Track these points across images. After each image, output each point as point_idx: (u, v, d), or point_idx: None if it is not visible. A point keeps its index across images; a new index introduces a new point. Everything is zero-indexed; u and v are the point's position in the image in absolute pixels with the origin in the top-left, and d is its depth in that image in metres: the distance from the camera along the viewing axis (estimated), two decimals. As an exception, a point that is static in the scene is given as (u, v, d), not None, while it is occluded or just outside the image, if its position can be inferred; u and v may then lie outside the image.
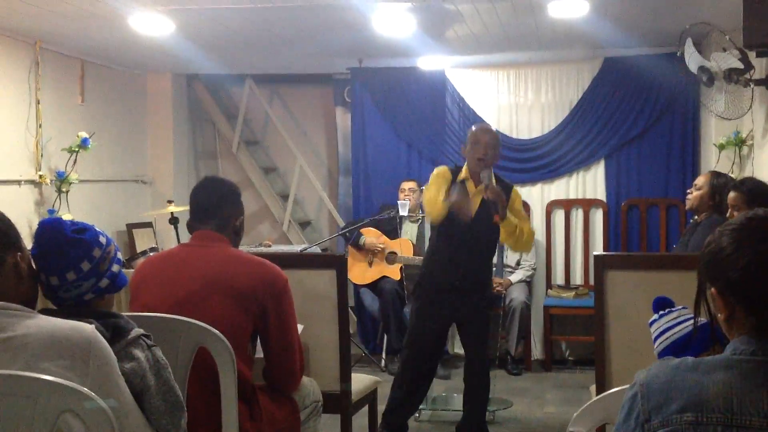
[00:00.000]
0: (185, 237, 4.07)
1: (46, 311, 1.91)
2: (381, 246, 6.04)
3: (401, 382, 4.15)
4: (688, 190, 4.57)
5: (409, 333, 4.23)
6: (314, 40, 5.60)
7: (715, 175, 4.48)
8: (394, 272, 6.01)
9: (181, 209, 5.76)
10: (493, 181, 3.92)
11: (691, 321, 2.05)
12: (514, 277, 6.05)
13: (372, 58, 6.44)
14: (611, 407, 1.82)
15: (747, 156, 5.27)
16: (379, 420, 3.84)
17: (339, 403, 3.28)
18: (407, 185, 6.16)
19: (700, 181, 4.48)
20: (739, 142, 5.28)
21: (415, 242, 6.09)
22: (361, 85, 6.69)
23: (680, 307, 2.13)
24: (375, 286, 6.08)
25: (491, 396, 4.40)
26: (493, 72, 6.47)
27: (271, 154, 7.75)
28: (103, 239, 2.04)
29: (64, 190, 5.66)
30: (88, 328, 1.78)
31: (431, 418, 4.81)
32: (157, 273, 2.65)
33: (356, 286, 6.17)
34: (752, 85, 4.63)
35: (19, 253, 1.88)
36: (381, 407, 3.88)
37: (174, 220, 5.89)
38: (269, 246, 6.59)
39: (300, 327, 2.82)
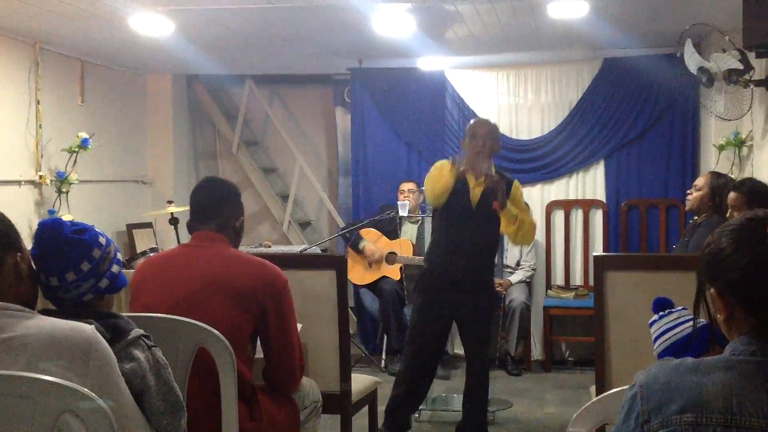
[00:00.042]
0: (185, 237, 4.07)
1: (45, 312, 1.91)
2: (378, 256, 6.03)
3: (402, 379, 4.15)
4: (688, 191, 4.56)
5: (410, 330, 4.24)
6: (314, 40, 5.61)
7: (715, 175, 4.47)
8: (394, 272, 6.01)
9: (181, 210, 5.76)
10: (492, 170, 3.91)
11: (692, 322, 2.05)
12: (514, 278, 6.05)
13: (372, 58, 6.45)
14: (611, 408, 1.82)
15: (746, 157, 5.27)
16: (380, 420, 3.84)
17: (339, 403, 3.28)
18: (407, 186, 6.16)
19: (700, 181, 4.47)
20: (738, 143, 5.28)
21: (414, 243, 6.09)
22: (360, 86, 6.69)
23: (680, 308, 2.13)
24: (375, 286, 6.08)
25: (491, 397, 4.40)
26: (493, 72, 6.47)
27: (271, 155, 7.75)
28: (102, 240, 2.04)
29: (64, 190, 5.67)
30: (88, 329, 1.78)
31: (431, 419, 4.81)
32: (157, 273, 2.65)
33: (356, 287, 6.17)
34: (752, 86, 4.63)
35: (19, 254, 1.87)
36: (381, 408, 3.88)
37: (174, 221, 5.89)
38: (269, 246, 6.60)
39: (298, 326, 2.82)
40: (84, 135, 5.73)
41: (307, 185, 7.41)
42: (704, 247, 1.45)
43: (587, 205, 6.35)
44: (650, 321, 2.15)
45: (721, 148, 5.40)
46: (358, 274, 6.11)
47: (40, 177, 5.51)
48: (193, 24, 5.01)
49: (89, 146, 5.75)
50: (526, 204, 4.49)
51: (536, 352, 6.19)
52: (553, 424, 4.73)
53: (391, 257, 6.05)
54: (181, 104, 7.34)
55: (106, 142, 6.42)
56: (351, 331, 4.52)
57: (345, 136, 7.07)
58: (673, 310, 2.12)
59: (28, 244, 1.96)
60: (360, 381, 3.58)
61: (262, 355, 2.71)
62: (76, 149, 5.71)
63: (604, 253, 5.10)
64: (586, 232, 6.32)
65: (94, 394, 1.62)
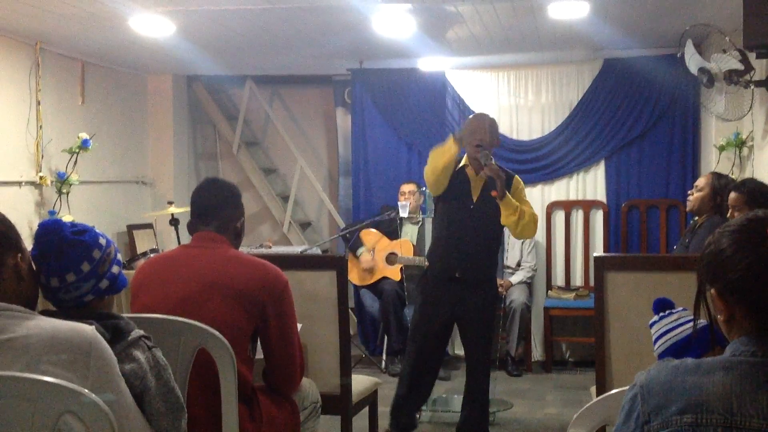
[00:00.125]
0: (185, 238, 4.07)
1: (46, 312, 1.91)
2: (370, 267, 6.03)
3: (405, 379, 4.15)
4: (689, 192, 4.55)
5: (411, 329, 4.23)
6: (315, 41, 5.61)
7: (716, 176, 4.46)
8: (394, 273, 6.01)
9: (182, 210, 5.76)
10: (492, 161, 3.91)
11: (691, 322, 2.05)
12: (515, 279, 6.05)
13: (372, 59, 6.45)
14: (611, 408, 1.82)
15: (747, 157, 5.27)
16: (380, 421, 3.84)
17: (339, 404, 3.28)
18: (407, 188, 6.16)
19: (701, 182, 4.46)
20: (739, 144, 5.28)
21: (415, 243, 6.09)
22: (361, 87, 6.70)
23: (680, 308, 2.13)
24: (375, 287, 6.08)
25: (491, 397, 4.39)
26: (494, 73, 6.47)
27: (271, 155, 7.75)
28: (102, 240, 2.04)
29: (64, 191, 5.67)
30: (89, 330, 1.78)
31: (431, 419, 4.81)
32: (157, 274, 2.65)
33: (356, 287, 6.17)
34: (752, 87, 4.63)
35: (19, 254, 1.88)
36: (381, 408, 3.87)
37: (174, 222, 5.90)
38: (269, 247, 6.60)
39: (298, 326, 2.82)
40: (84, 136, 5.73)
41: (308, 186, 7.41)
42: (705, 247, 1.45)
43: (588, 206, 6.35)
44: (651, 322, 2.15)
45: (721, 148, 5.40)
46: (359, 275, 6.11)
47: (41, 178, 5.51)
48: (193, 25, 5.01)
49: (90, 147, 5.75)
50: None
51: (537, 352, 6.19)
52: (554, 425, 4.73)
53: (391, 258, 6.05)
54: (182, 105, 7.34)
55: (107, 143, 6.42)
56: (351, 332, 4.52)
57: (345, 136, 7.07)
58: (673, 310, 2.12)
59: (28, 244, 1.96)
60: (360, 382, 3.58)
61: (262, 356, 2.71)
62: (77, 150, 5.71)
63: (605, 254, 5.10)
64: (586, 233, 6.32)
65: (94, 395, 1.62)
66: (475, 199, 4.00)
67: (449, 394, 5.23)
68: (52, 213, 5.57)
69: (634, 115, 6.20)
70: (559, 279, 6.38)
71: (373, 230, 6.13)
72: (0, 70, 5.26)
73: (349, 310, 3.66)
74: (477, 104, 6.43)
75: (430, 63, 6.43)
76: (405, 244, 6.05)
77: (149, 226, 6.77)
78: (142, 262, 4.87)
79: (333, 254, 6.67)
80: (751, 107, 4.75)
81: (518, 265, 6.13)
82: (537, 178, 6.36)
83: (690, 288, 1.54)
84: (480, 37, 5.51)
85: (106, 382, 1.76)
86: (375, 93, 6.68)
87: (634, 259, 3.59)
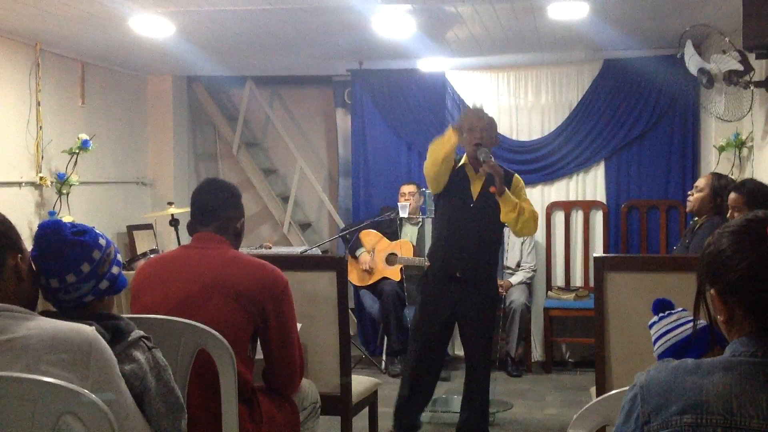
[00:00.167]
0: (185, 239, 4.08)
1: (46, 313, 1.91)
2: (369, 268, 6.03)
3: (407, 379, 4.15)
4: (689, 192, 4.55)
5: (412, 329, 4.23)
6: (314, 42, 5.61)
7: (717, 176, 4.45)
8: (394, 273, 6.01)
9: (182, 211, 5.76)
10: (492, 159, 3.91)
11: (691, 323, 2.05)
12: (515, 279, 6.05)
13: (372, 59, 6.45)
14: (611, 409, 1.82)
15: (747, 158, 5.27)
16: (380, 422, 3.84)
17: (339, 404, 3.28)
18: (407, 189, 6.16)
19: (701, 182, 4.46)
20: (738, 144, 5.28)
21: (415, 244, 6.09)
22: (361, 87, 6.70)
23: (680, 309, 2.13)
24: (375, 287, 6.08)
25: (491, 398, 4.39)
26: (493, 74, 6.48)
27: (271, 156, 7.76)
28: (102, 241, 2.04)
29: (64, 191, 5.67)
30: (89, 330, 1.78)
31: (431, 420, 4.81)
32: (157, 275, 2.65)
33: (356, 288, 6.18)
34: (752, 87, 4.63)
35: (19, 255, 1.88)
36: (381, 409, 3.87)
37: (174, 222, 5.90)
38: (269, 248, 6.60)
39: (298, 325, 2.82)
40: (84, 136, 5.73)
41: (308, 186, 7.41)
42: (704, 248, 1.45)
43: (587, 206, 6.35)
44: (650, 322, 2.15)
45: (721, 149, 5.40)
46: (359, 276, 6.11)
47: (41, 178, 5.51)
48: (193, 25, 5.02)
49: (90, 147, 5.76)
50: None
51: (537, 353, 6.19)
52: (554, 426, 4.73)
53: (391, 258, 6.05)
54: (182, 105, 7.35)
55: (107, 144, 6.42)
56: (351, 333, 4.52)
57: (345, 137, 7.08)
58: (672, 311, 2.12)
59: (28, 245, 1.96)
60: (360, 382, 3.58)
61: (261, 356, 2.71)
62: (77, 150, 5.71)
63: (605, 254, 5.09)
64: (586, 233, 6.32)
65: (94, 396, 1.62)
66: (474, 197, 4.00)
67: (449, 394, 5.22)
68: (52, 214, 5.57)
69: (634, 115, 6.20)
70: (558, 279, 6.38)
71: (373, 231, 6.13)
72: (0, 71, 5.27)
73: (349, 311, 3.66)
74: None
75: (429, 63, 6.43)
76: (405, 245, 6.05)
77: (149, 226, 6.77)
78: (142, 262, 4.87)
79: (333, 255, 6.67)
80: (750, 108, 4.75)
81: (518, 265, 6.13)
82: (537, 179, 6.37)
83: (690, 288, 1.54)
84: (480, 38, 5.51)
85: (106, 382, 1.76)
86: (375, 93, 6.68)
87: (634, 260, 3.60)
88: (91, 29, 5.09)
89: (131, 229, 6.59)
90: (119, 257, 2.10)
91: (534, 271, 6.19)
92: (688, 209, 4.58)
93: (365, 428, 3.73)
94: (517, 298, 5.88)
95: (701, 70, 4.75)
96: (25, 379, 1.63)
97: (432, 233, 4.29)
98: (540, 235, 6.28)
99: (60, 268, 1.96)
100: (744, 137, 5.26)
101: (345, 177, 7.10)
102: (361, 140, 6.73)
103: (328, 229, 7.64)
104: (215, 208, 2.72)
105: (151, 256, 5.19)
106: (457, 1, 4.46)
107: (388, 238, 6.13)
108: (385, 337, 6.05)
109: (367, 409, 3.67)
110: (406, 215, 5.50)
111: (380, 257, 6.10)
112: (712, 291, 1.42)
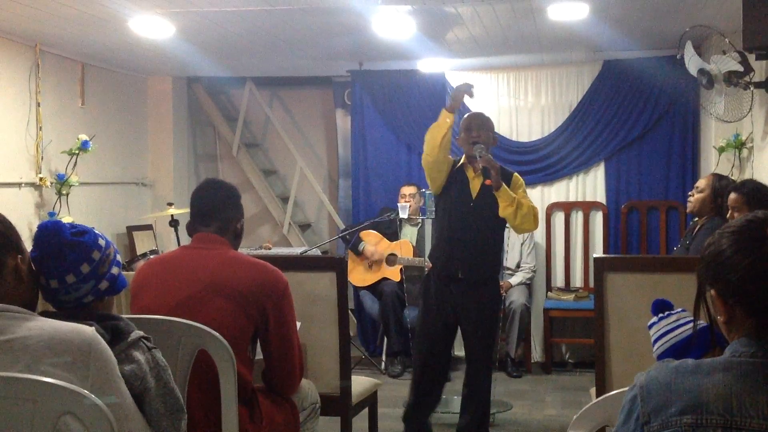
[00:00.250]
0: (185, 239, 4.08)
1: (45, 314, 1.91)
2: (378, 257, 6.04)
3: (414, 384, 4.15)
4: (690, 193, 4.54)
5: (416, 333, 4.23)
6: (315, 42, 5.61)
7: (717, 177, 4.44)
8: (394, 274, 6.01)
9: (181, 212, 5.77)
10: (490, 156, 3.91)
11: (690, 324, 2.06)
12: (514, 280, 6.05)
13: (372, 60, 6.45)
14: (611, 409, 1.82)
15: (747, 158, 5.27)
16: (379, 422, 3.84)
17: (339, 405, 3.28)
18: (407, 190, 6.16)
19: (702, 183, 4.45)
20: (738, 145, 5.28)
21: (414, 245, 6.09)
22: (361, 88, 6.70)
23: (679, 309, 2.13)
24: (375, 288, 6.08)
25: (491, 399, 4.39)
26: (493, 75, 6.48)
27: (271, 157, 7.76)
28: (102, 242, 2.04)
29: (64, 192, 5.67)
30: (89, 330, 1.78)
31: (431, 420, 4.80)
32: (157, 275, 2.65)
33: (356, 289, 6.18)
34: (752, 88, 4.63)
35: (19, 256, 1.88)
36: (381, 410, 3.88)
37: (174, 223, 5.90)
38: (269, 248, 6.60)
39: (297, 325, 2.82)
40: (84, 137, 5.73)
41: (308, 187, 7.42)
42: (704, 248, 1.45)
43: (587, 207, 6.35)
44: (649, 323, 2.15)
45: (721, 149, 5.40)
46: (359, 276, 6.11)
47: (41, 179, 5.51)
48: (193, 26, 5.02)
49: (89, 148, 5.75)
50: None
51: (536, 353, 6.19)
52: (554, 426, 4.73)
53: (391, 259, 6.05)
54: (182, 106, 7.35)
55: (107, 145, 6.42)
56: (351, 333, 4.52)
57: (345, 138, 7.08)
58: (672, 312, 2.12)
59: (28, 246, 1.96)
60: (360, 383, 3.58)
61: (261, 357, 2.71)
62: (77, 151, 5.71)
63: (605, 255, 5.10)
64: (586, 234, 6.32)
65: (94, 396, 1.62)
66: (474, 196, 4.00)
67: (449, 394, 5.21)
68: (51, 214, 5.56)
69: (634, 116, 6.20)
70: (558, 280, 6.38)
71: (373, 231, 6.13)
72: (0, 72, 5.27)
73: (349, 311, 3.66)
74: (477, 105, 6.42)
75: (429, 64, 6.43)
76: (405, 245, 6.05)
77: (149, 227, 6.77)
78: (141, 263, 4.87)
79: (333, 255, 6.67)
80: (750, 109, 4.75)
81: (518, 266, 6.13)
82: (537, 180, 6.37)
83: (690, 289, 1.54)
84: (480, 39, 5.51)
85: (105, 383, 1.76)
86: (375, 94, 6.69)
87: (634, 261, 3.60)
88: (91, 30, 5.10)
89: (131, 229, 6.59)
90: (119, 258, 2.10)
91: (534, 271, 6.19)
92: (688, 210, 4.57)
93: (365, 429, 3.73)
94: (516, 298, 5.88)
95: (701, 71, 4.75)
96: (25, 379, 1.63)
97: (432, 234, 4.29)
98: (540, 235, 6.28)
99: (60, 268, 1.96)
100: (744, 138, 5.26)
101: (345, 178, 7.10)
102: (361, 141, 6.74)
103: (328, 229, 7.64)
104: (215, 209, 2.72)
105: (151, 256, 5.19)
106: (457, 1, 4.46)
107: (387, 239, 6.13)
108: (385, 338, 6.05)
109: (366, 409, 3.67)
110: (406, 216, 5.50)
111: (379, 262, 6.10)
112: (713, 291, 1.42)
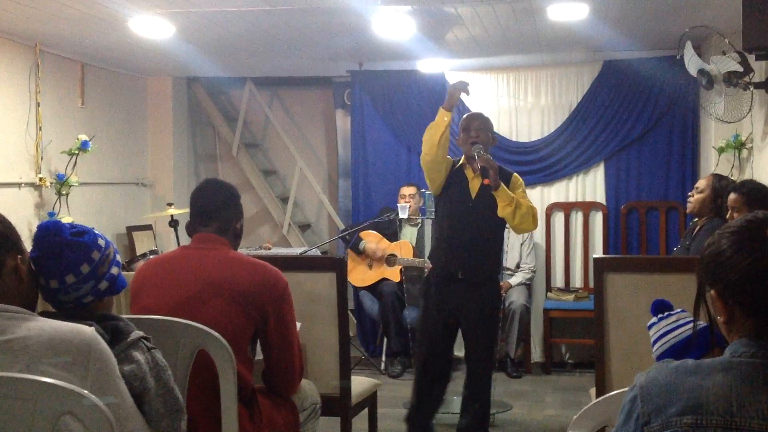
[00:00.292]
0: (185, 240, 4.08)
1: (45, 314, 1.91)
2: (380, 254, 6.04)
3: (416, 387, 4.14)
4: (690, 193, 4.53)
5: (418, 336, 4.23)
6: (314, 43, 5.61)
7: (718, 178, 4.43)
8: (394, 274, 6.01)
9: (181, 212, 5.76)
10: (488, 156, 3.91)
11: (690, 324, 2.06)
12: (514, 280, 6.05)
13: (372, 61, 6.45)
14: (611, 410, 1.82)
15: (746, 159, 5.27)
16: (379, 423, 3.84)
17: (339, 405, 3.28)
18: (407, 191, 6.16)
19: (702, 184, 4.44)
20: (738, 145, 5.28)
21: (414, 245, 6.09)
22: (361, 88, 6.70)
23: (679, 310, 2.13)
24: (375, 288, 6.08)
25: (491, 399, 4.39)
26: (493, 75, 6.48)
27: (271, 157, 7.76)
28: (102, 242, 2.04)
29: (64, 192, 5.67)
30: (88, 330, 1.78)
31: (434, 422, 4.80)
32: (157, 275, 2.65)
33: (356, 289, 6.18)
34: (752, 88, 4.63)
35: (19, 256, 1.87)
36: (381, 410, 3.88)
37: (174, 223, 5.90)
38: (269, 249, 6.60)
39: (297, 325, 2.82)
40: (84, 137, 5.73)
41: (307, 187, 7.41)
42: (704, 248, 1.45)
43: (587, 208, 6.35)
44: (649, 323, 2.15)
45: (721, 150, 5.40)
46: (358, 276, 6.11)
47: (40, 179, 5.51)
48: (193, 27, 5.02)
49: (89, 148, 5.75)
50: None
51: (536, 354, 6.19)
52: (553, 427, 4.73)
53: (391, 259, 6.05)
54: (182, 106, 7.35)
55: (106, 145, 6.42)
56: (351, 334, 4.52)
57: (345, 138, 7.08)
58: (671, 312, 2.12)
59: (28, 246, 1.96)
60: (360, 383, 3.58)
61: (261, 357, 2.71)
62: (76, 151, 5.71)
63: (604, 256, 5.10)
64: (586, 235, 6.32)
65: (93, 396, 1.62)
66: (473, 196, 4.00)
67: (449, 395, 5.19)
68: (51, 214, 5.56)
69: (634, 116, 6.20)
70: (558, 280, 6.38)
71: (373, 232, 6.13)
72: (0, 72, 5.26)
73: (349, 312, 3.66)
74: (477, 106, 6.42)
75: (429, 65, 6.43)
76: (404, 246, 6.05)
77: (149, 227, 6.77)
78: (141, 263, 4.86)
79: (333, 256, 6.67)
80: (750, 109, 4.75)
81: (517, 266, 6.13)
82: (536, 180, 6.37)
83: (690, 289, 1.54)
84: (479, 39, 5.51)
85: (105, 383, 1.76)
86: (375, 95, 6.69)
87: (634, 261, 3.60)
88: (90, 30, 5.10)
89: (131, 229, 6.59)
90: (118, 258, 2.10)
91: (533, 272, 6.19)
92: (688, 210, 4.56)
93: (365, 429, 3.73)
94: (516, 299, 5.88)
95: (701, 72, 4.75)
96: (25, 379, 1.63)
97: (432, 235, 4.29)
98: (539, 236, 6.28)
99: (59, 269, 1.96)
100: (744, 138, 5.26)
101: (345, 178, 7.10)
102: (360, 141, 6.74)
103: (328, 230, 7.64)
104: (215, 209, 2.72)
105: (151, 257, 5.18)
106: (457, 2, 4.46)
107: (387, 239, 6.13)
108: (385, 338, 6.05)
109: (366, 410, 3.66)
110: (405, 216, 5.50)
111: (380, 260, 6.10)
112: (713, 292, 1.42)
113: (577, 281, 6.36)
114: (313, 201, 7.59)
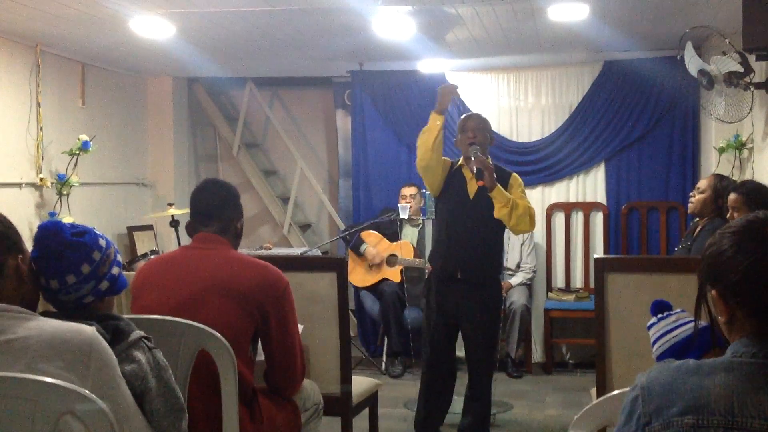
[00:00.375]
0: (186, 240, 4.08)
1: (46, 314, 1.92)
2: (379, 260, 6.04)
3: (422, 391, 4.14)
4: (691, 194, 4.53)
5: (423, 340, 4.22)
6: (315, 43, 5.61)
7: (719, 178, 4.43)
8: (394, 275, 6.01)
9: (182, 212, 5.76)
10: (481, 155, 3.91)
11: (690, 324, 2.06)
12: (515, 280, 6.05)
13: (372, 61, 6.45)
14: (612, 410, 1.82)
15: (747, 159, 5.27)
16: (380, 423, 3.84)
17: (340, 405, 3.28)
18: (408, 191, 6.16)
19: (703, 184, 4.43)
20: (739, 146, 5.28)
21: (415, 245, 6.09)
22: (361, 88, 6.70)
23: (678, 309, 2.13)
24: (375, 288, 6.08)
25: (492, 399, 4.39)
26: (494, 75, 6.48)
27: (271, 157, 7.76)
28: (102, 242, 2.04)
29: (64, 192, 5.67)
30: (89, 330, 1.78)
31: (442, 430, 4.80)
32: (158, 275, 2.65)
33: (357, 289, 6.18)
34: (752, 89, 4.63)
35: (20, 256, 1.88)
36: (382, 410, 3.88)
37: (174, 223, 5.90)
38: (269, 249, 6.60)
39: (300, 327, 2.82)
40: (85, 137, 5.73)
41: (308, 188, 7.41)
42: (705, 248, 1.45)
43: (588, 208, 6.35)
44: (649, 324, 2.15)
45: (721, 150, 5.40)
46: (359, 277, 6.11)
47: (41, 179, 5.51)
48: (193, 27, 5.02)
49: (90, 149, 5.75)
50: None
51: (537, 354, 6.19)
52: (554, 427, 4.73)
53: (391, 259, 6.05)
54: (182, 107, 7.35)
55: (107, 145, 6.42)
56: (351, 334, 4.52)
57: (345, 138, 7.08)
58: (671, 312, 2.12)
59: (28, 246, 1.96)
60: (360, 383, 3.58)
61: (263, 357, 2.71)
62: (77, 152, 5.71)
63: (605, 256, 5.10)
64: (586, 235, 6.32)
65: (94, 396, 1.62)
66: (471, 197, 4.01)
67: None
68: (52, 214, 5.56)
69: (634, 117, 6.20)
70: (559, 281, 6.38)
71: (373, 232, 6.13)
72: (0, 72, 5.27)
73: (350, 312, 3.66)
74: (477, 106, 6.43)
75: (430, 65, 6.43)
76: (405, 246, 6.05)
77: (149, 227, 6.77)
78: (142, 263, 4.87)
79: (333, 256, 6.67)
80: (750, 109, 4.75)
81: (518, 266, 6.13)
82: (537, 180, 6.37)
83: (690, 290, 1.54)
84: (480, 39, 5.51)
85: (106, 382, 1.76)
86: (375, 95, 6.69)
87: (635, 261, 3.60)
88: (91, 30, 5.10)
89: (131, 230, 6.59)
90: (119, 258, 2.10)
91: (534, 272, 6.19)
92: (689, 211, 4.56)
93: (365, 429, 3.73)
94: (517, 299, 5.88)
95: (701, 72, 4.75)
96: (26, 379, 1.63)
97: (432, 236, 4.29)
98: (540, 236, 6.28)
99: (60, 269, 1.96)
100: (744, 139, 5.26)
101: (345, 178, 7.10)
102: (361, 141, 6.74)
103: (329, 230, 7.64)
104: (215, 209, 2.72)
105: (152, 257, 5.19)
106: (457, 2, 4.46)
107: (388, 239, 6.13)
108: (386, 338, 6.05)
109: (367, 410, 3.67)
110: (406, 217, 5.50)
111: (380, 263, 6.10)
112: (713, 292, 1.42)
113: (578, 281, 6.36)
114: (313, 201, 7.59)
